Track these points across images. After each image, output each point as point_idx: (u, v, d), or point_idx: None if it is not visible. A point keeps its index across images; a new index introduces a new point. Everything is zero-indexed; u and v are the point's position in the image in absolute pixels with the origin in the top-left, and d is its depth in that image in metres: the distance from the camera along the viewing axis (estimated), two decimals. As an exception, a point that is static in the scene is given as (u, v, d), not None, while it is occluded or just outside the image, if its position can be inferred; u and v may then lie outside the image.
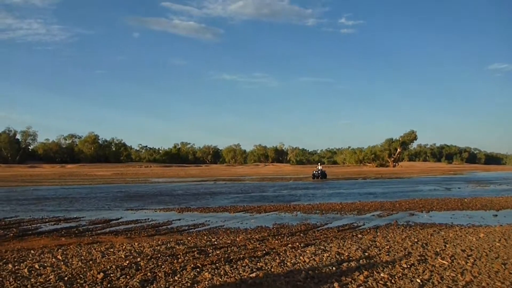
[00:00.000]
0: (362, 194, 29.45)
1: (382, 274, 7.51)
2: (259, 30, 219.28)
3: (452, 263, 8.38)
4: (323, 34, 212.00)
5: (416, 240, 11.05)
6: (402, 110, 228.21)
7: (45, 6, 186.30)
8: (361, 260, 8.60)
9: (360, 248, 9.86)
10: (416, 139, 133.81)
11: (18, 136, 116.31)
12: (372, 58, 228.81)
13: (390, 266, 8.11)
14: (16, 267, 8.11)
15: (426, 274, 7.57)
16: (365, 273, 7.59)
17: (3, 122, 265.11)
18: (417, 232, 12.57)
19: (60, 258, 8.92)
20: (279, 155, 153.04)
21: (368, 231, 12.89)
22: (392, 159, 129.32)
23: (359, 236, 11.82)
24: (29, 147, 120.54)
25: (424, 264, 8.33)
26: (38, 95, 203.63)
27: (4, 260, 8.71)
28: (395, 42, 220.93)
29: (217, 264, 8.20)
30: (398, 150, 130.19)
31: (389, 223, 14.67)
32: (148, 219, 16.04)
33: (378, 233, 12.29)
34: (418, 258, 8.84)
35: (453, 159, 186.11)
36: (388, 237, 11.50)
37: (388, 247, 10.07)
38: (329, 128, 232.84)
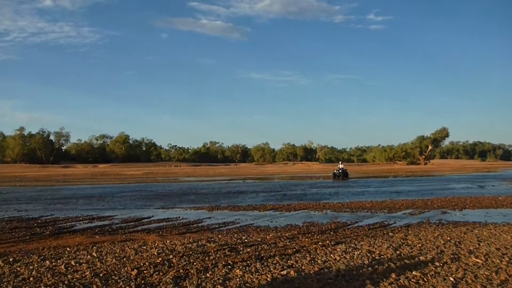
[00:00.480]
0: (392, 192, 29.07)
1: (414, 272, 7.44)
2: (286, 28, 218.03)
3: (486, 262, 8.23)
4: (351, 31, 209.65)
5: (448, 238, 10.88)
6: (434, 107, 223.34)
7: (75, 9, 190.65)
8: (392, 258, 8.54)
9: (391, 246, 9.78)
10: (448, 136, 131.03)
11: (52, 137, 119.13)
12: (402, 54, 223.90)
13: (422, 265, 8.02)
14: (53, 263, 8.37)
15: (459, 272, 7.46)
16: (397, 271, 7.53)
17: (38, 123, 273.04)
18: (449, 230, 12.37)
19: (95, 255, 9.16)
20: (308, 154, 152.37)
21: (400, 229, 12.75)
22: (423, 156, 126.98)
23: (390, 234, 11.71)
24: (62, 147, 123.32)
25: (457, 262, 8.21)
26: (71, 97, 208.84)
27: (42, 257, 9.00)
28: (424, 37, 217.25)
29: (248, 262, 8.27)
30: (430, 147, 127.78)
31: (420, 221, 14.47)
32: (179, 217, 16.26)
33: (410, 231, 12.15)
34: (451, 256, 8.71)
35: (486, 156, 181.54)
36: (420, 236, 11.36)
37: (420, 245, 9.96)
38: (358, 125, 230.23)
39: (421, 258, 8.55)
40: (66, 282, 6.99)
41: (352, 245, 10.00)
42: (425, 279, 7.07)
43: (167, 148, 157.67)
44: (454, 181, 44.34)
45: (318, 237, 11.38)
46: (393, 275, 7.26)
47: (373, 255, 8.84)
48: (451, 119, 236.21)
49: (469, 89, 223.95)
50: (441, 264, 8.02)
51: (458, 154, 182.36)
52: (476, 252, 9.15)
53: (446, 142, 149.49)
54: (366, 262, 8.25)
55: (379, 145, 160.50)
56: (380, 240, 10.74)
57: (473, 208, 18.47)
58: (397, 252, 9.18)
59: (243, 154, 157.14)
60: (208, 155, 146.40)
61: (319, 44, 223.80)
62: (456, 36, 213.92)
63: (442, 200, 21.85)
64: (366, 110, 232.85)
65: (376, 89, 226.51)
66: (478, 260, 8.33)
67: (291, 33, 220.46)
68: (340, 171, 51.00)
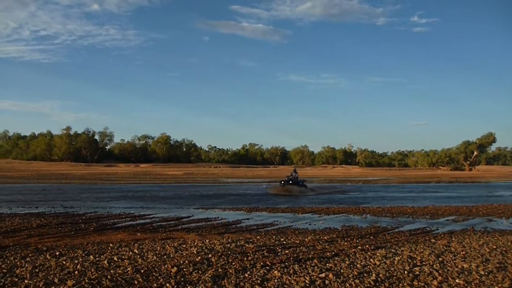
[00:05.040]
0: (435, 198, 28.36)
1: (457, 280, 7.24)
2: (327, 30, 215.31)
3: (535, 272, 7.90)
4: (394, 33, 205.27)
5: (494, 247, 10.51)
6: (480, 111, 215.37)
7: (121, 13, 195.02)
8: (434, 265, 8.33)
9: (433, 253, 9.54)
10: (494, 142, 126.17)
11: (97, 137, 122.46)
12: (447, 57, 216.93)
13: (466, 273, 7.79)
14: (97, 258, 8.62)
15: (506, 282, 7.20)
16: (439, 278, 7.35)
17: (84, 123, 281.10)
18: (495, 238, 11.96)
19: (137, 252, 9.37)
20: (348, 157, 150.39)
21: (442, 236, 12.42)
22: (468, 162, 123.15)
23: (432, 240, 11.42)
24: (106, 147, 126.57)
25: (503, 272, 7.92)
26: (115, 98, 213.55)
27: (86, 252, 9.29)
28: (470, 40, 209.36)
29: (286, 263, 8.26)
30: (475, 153, 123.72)
31: (464, 229, 14.05)
32: (218, 217, 16.41)
33: (453, 238, 11.82)
34: (497, 265, 8.42)
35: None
36: (463, 243, 11.04)
37: (464, 253, 9.67)
38: (400, 129, 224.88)
39: (465, 266, 8.31)
40: (109, 277, 7.18)
41: (393, 250, 9.82)
42: (469, 288, 6.88)
43: (207, 149, 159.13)
44: (500, 188, 42.82)
45: (357, 241, 11.23)
46: (435, 282, 7.09)
47: (414, 261, 8.65)
48: (498, 124, 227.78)
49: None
50: (486, 273, 7.76)
51: (506, 161, 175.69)
52: (523, 261, 8.81)
53: (492, 148, 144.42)
54: (407, 268, 8.08)
55: (422, 149, 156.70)
56: (421, 246, 10.50)
57: (521, 217, 17.78)
58: (440, 259, 8.95)
59: (282, 157, 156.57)
60: (247, 157, 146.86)
61: (360, 46, 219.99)
62: (503, 39, 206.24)
63: (487, 207, 21.13)
64: (409, 114, 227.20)
65: (419, 92, 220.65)
66: (526, 270, 8.02)
67: (332, 35, 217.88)
68: (289, 179, 33.19)
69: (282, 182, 32.94)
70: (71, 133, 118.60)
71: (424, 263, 8.54)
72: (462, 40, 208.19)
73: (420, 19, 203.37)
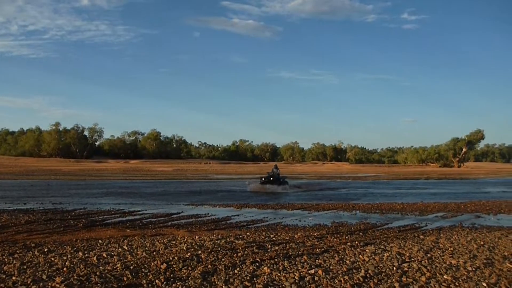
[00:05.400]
0: (424, 194, 28.58)
1: (445, 276, 7.30)
2: (318, 27, 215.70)
3: (522, 268, 8.00)
4: (384, 30, 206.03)
5: (482, 243, 10.62)
6: (469, 108, 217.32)
7: (111, 8, 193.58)
8: (423, 261, 8.40)
9: (422, 249, 9.62)
10: (483, 139, 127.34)
11: (86, 133, 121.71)
12: (436, 54, 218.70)
13: (454, 269, 7.86)
14: (86, 255, 8.57)
15: (492, 278, 7.28)
16: (427, 274, 7.41)
17: (73, 118, 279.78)
18: (483, 235, 12.08)
19: (126, 248, 9.33)
20: (338, 154, 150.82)
21: (431, 232, 12.53)
22: (457, 159, 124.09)
23: (421, 237, 11.51)
24: (96, 143, 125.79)
25: (490, 267, 8.01)
26: (105, 94, 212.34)
27: (75, 248, 9.23)
28: (459, 37, 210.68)
29: (275, 260, 8.28)
30: (464, 149, 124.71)
31: (453, 225, 14.18)
32: (208, 214, 16.40)
33: (442, 235, 11.92)
34: (485, 261, 8.51)
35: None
36: (452, 239, 11.14)
37: (452, 249, 9.76)
38: (390, 126, 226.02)
39: (453, 262, 8.39)
40: (98, 273, 7.15)
41: (382, 247, 9.88)
42: (456, 284, 6.94)
43: (197, 145, 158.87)
44: (489, 184, 43.24)
45: (347, 237, 11.29)
46: (423, 278, 7.15)
47: (403, 257, 8.72)
48: (487, 121, 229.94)
49: (506, 90, 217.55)
50: (473, 269, 7.84)
51: (494, 157, 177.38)
52: (511, 258, 8.91)
53: (481, 145, 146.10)
54: (396, 264, 8.14)
55: (411, 146, 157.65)
56: (410, 242, 10.58)
57: (509, 213, 17.98)
58: (428, 255, 9.02)
59: (273, 153, 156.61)
60: (237, 153, 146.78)
61: (351, 43, 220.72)
62: (492, 36, 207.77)
63: (475, 204, 21.34)
64: (398, 111, 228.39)
65: (409, 89, 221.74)
66: (512, 266, 8.12)
67: (323, 32, 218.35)
68: (270, 176, 31.55)
69: (263, 179, 31.70)
70: (60, 129, 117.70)
71: (412, 259, 8.61)
72: (451, 37, 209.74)
73: (410, 16, 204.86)
